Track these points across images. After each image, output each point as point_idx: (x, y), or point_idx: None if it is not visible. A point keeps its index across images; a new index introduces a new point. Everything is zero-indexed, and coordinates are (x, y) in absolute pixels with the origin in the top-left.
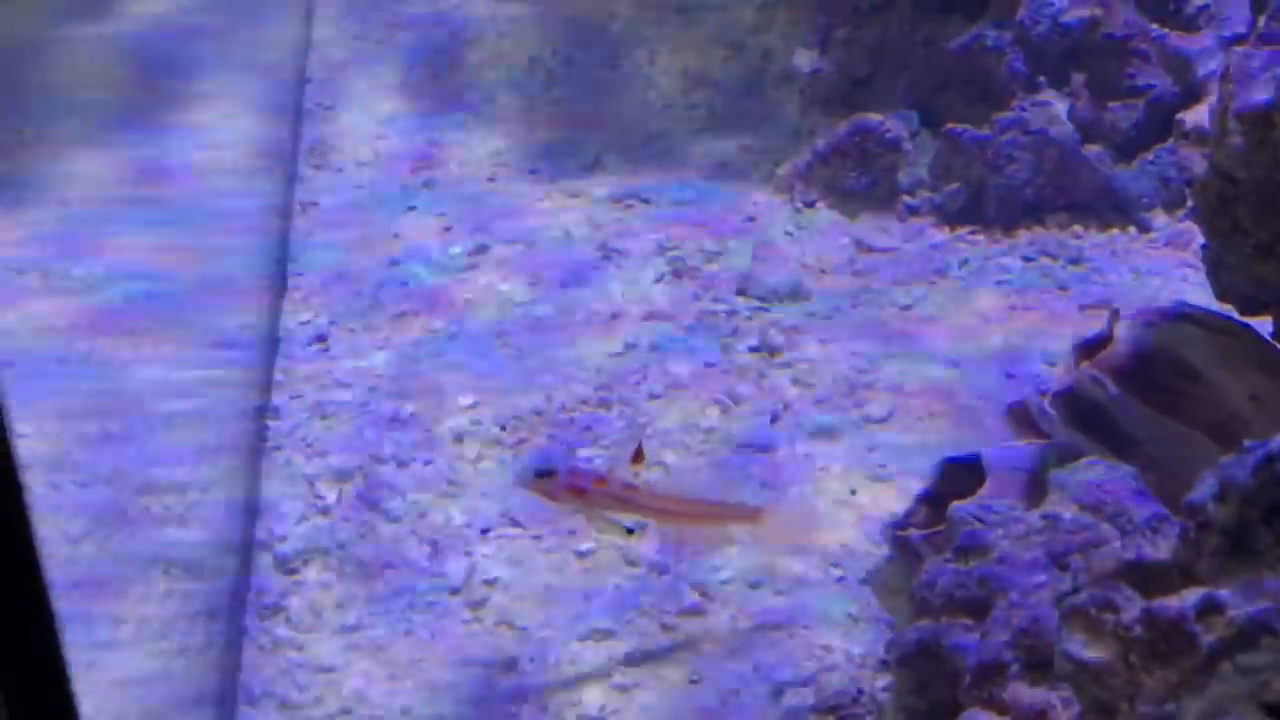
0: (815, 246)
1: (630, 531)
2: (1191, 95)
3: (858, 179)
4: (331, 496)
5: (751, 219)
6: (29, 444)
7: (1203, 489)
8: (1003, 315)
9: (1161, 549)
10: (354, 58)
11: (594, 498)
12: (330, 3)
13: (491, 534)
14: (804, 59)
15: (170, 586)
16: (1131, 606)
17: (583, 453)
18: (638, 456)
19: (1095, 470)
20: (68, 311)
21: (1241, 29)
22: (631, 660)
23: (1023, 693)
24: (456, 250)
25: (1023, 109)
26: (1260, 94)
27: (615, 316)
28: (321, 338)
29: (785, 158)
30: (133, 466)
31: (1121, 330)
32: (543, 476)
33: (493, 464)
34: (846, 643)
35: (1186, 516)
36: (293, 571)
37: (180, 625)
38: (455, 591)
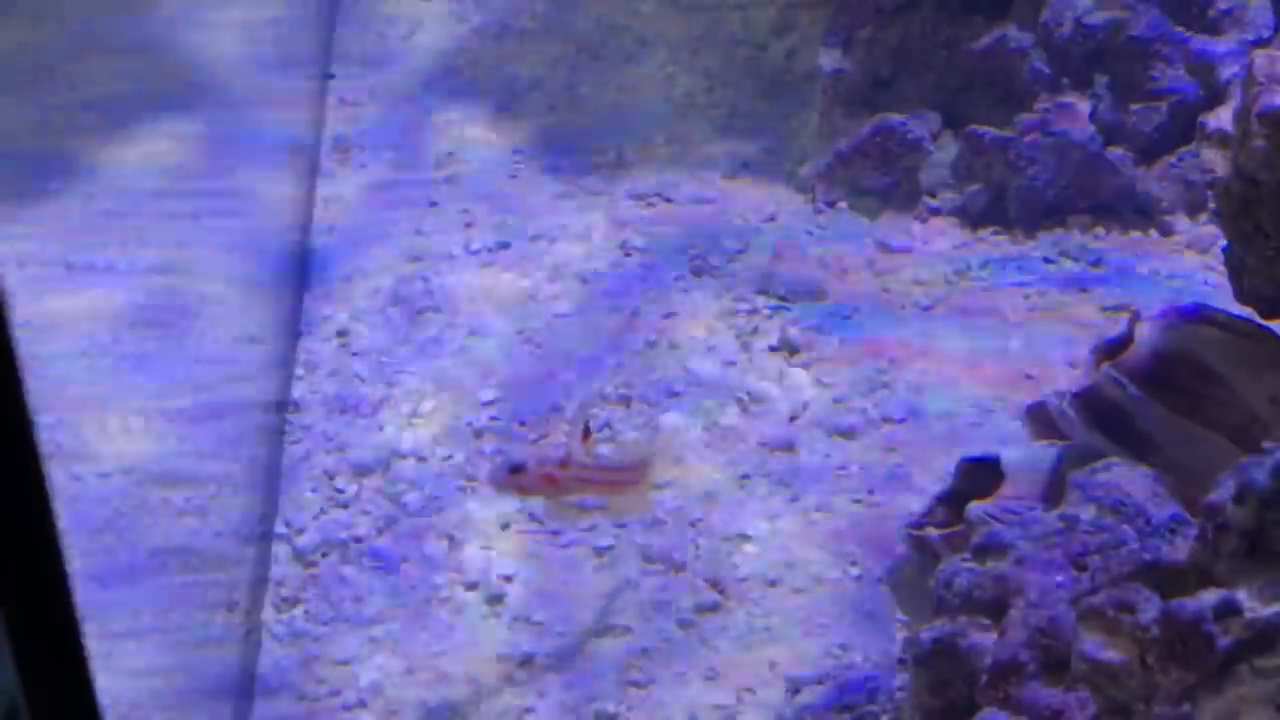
0: (836, 246)
1: (587, 509)
2: (1215, 98)
3: (879, 179)
4: (351, 490)
5: (773, 218)
6: (51, 435)
7: (1221, 491)
8: (1023, 316)
9: (1179, 550)
10: (377, 55)
11: (563, 482)
12: (353, 0)
13: (510, 529)
14: (826, 59)
15: (189, 578)
16: (1149, 607)
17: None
18: (586, 434)
19: (1114, 471)
20: (90, 304)
21: (1266, 33)
22: (648, 657)
23: (1039, 693)
24: (478, 247)
25: (1045, 111)
26: None
27: (635, 314)
28: (342, 333)
29: (807, 158)
30: (153, 458)
31: (1142, 332)
32: (516, 472)
33: (498, 458)
34: (863, 641)
35: (1205, 518)
36: (311, 564)
37: (198, 617)
38: (473, 586)
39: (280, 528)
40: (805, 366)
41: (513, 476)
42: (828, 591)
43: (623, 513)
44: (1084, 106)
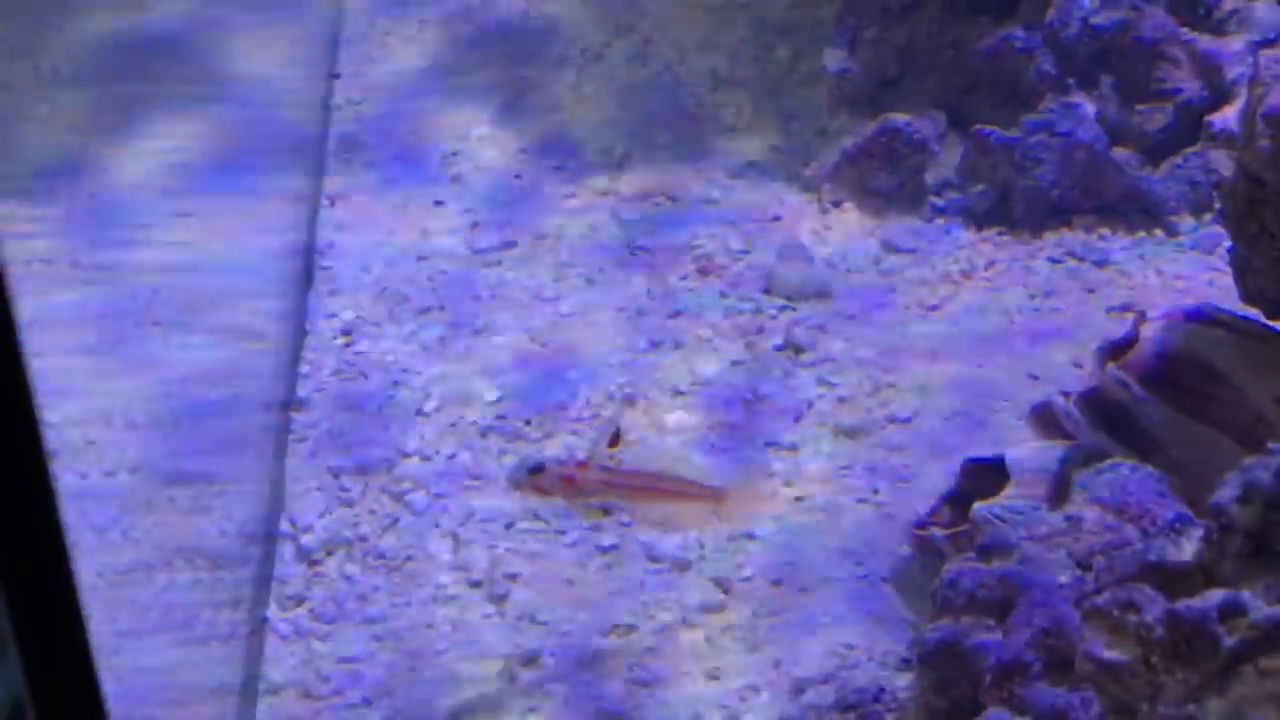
0: (841, 246)
1: (606, 512)
2: (1221, 99)
3: (885, 179)
4: (355, 489)
5: (778, 218)
6: (57, 433)
7: (1226, 491)
8: (1028, 317)
9: (1184, 551)
10: (384, 53)
11: (582, 484)
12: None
13: (515, 528)
14: (832, 59)
15: (194, 576)
16: (1153, 607)
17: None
18: (615, 439)
19: (1119, 472)
20: (96, 302)
21: (1272, 34)
22: (653, 655)
23: (1044, 693)
24: (483, 246)
25: (1051, 111)
26: None
27: (641, 314)
28: (347, 331)
29: (813, 158)
30: (158, 456)
31: (1147, 332)
32: (535, 473)
33: (516, 459)
34: (868, 641)
35: (1209, 518)
36: (315, 563)
37: (204, 614)
38: (477, 585)
39: (285, 526)
40: (810, 366)
41: (531, 477)
42: (832, 591)
43: (647, 521)
44: (1090, 107)
